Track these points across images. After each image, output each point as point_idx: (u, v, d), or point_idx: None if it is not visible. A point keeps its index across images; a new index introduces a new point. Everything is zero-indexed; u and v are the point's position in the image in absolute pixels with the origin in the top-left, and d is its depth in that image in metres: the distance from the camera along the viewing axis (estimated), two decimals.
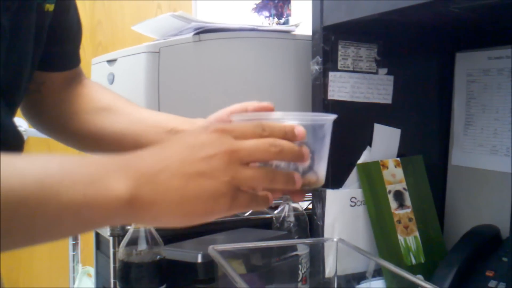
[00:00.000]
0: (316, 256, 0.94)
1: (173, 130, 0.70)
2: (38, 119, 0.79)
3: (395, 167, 0.98)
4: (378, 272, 0.93)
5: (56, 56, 0.76)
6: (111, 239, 0.95)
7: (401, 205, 0.96)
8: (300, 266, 0.95)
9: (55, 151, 1.74)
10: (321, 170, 0.57)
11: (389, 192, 0.96)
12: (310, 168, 0.56)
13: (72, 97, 0.78)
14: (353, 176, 0.96)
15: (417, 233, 0.96)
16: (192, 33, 1.03)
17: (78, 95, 0.78)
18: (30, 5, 0.62)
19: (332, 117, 0.57)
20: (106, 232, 0.96)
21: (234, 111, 0.64)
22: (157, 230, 0.87)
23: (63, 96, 0.78)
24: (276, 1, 1.68)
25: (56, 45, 0.74)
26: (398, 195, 0.96)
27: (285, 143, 0.50)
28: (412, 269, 0.93)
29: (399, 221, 0.95)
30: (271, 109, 0.62)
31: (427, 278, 0.90)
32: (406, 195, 0.97)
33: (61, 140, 0.83)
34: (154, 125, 0.72)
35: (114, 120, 0.75)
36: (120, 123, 0.74)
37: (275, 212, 1.04)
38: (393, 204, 0.96)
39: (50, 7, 0.67)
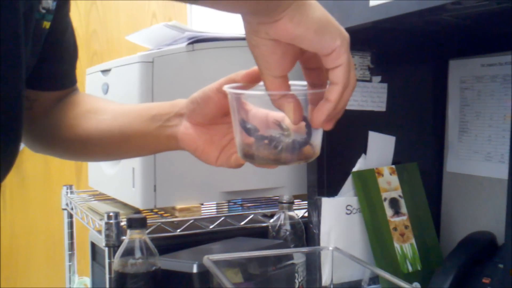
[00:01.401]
0: (313, 265, 0.94)
1: (156, 116, 0.69)
2: (27, 134, 0.79)
3: (390, 174, 0.98)
4: (374, 280, 0.93)
5: (51, 75, 0.76)
6: (106, 249, 0.94)
7: (397, 212, 0.96)
8: (296, 275, 0.95)
9: (52, 161, 1.74)
10: (317, 143, 0.57)
11: (385, 199, 0.96)
12: (307, 141, 0.56)
13: (61, 108, 0.78)
14: (348, 184, 0.96)
15: (413, 241, 0.96)
16: (186, 43, 1.03)
17: (65, 103, 0.78)
18: (30, 21, 0.63)
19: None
20: (101, 242, 0.95)
21: (221, 84, 0.62)
22: (153, 240, 0.87)
23: (53, 110, 0.78)
24: None
25: (52, 65, 0.75)
26: (394, 203, 0.96)
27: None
28: (409, 277, 0.93)
29: (395, 229, 0.95)
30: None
31: (424, 286, 0.90)
32: (402, 202, 0.97)
33: (49, 151, 0.82)
34: (137, 115, 0.71)
35: (99, 119, 0.75)
36: (105, 120, 0.74)
37: (271, 220, 1.04)
38: (388, 212, 0.96)
39: (47, 24, 0.67)
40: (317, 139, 0.57)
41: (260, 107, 0.60)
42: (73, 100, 0.79)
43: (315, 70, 0.55)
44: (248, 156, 0.57)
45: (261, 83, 0.56)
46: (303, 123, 0.55)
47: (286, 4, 0.47)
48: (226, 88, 0.58)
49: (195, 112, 0.66)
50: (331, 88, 0.51)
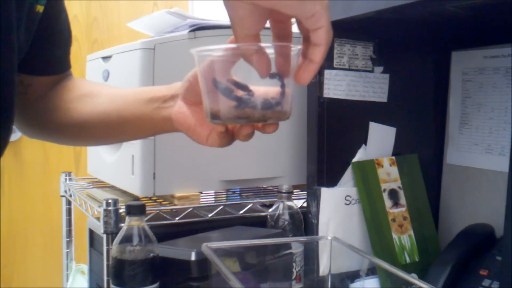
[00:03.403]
0: (311, 255, 0.94)
1: (153, 98, 0.70)
2: (23, 119, 0.79)
3: (390, 165, 0.98)
4: (372, 271, 0.93)
5: (45, 60, 0.76)
6: (104, 236, 0.94)
7: (396, 203, 0.96)
8: (294, 265, 0.95)
9: (50, 148, 1.73)
10: (288, 102, 0.57)
11: (384, 190, 0.96)
12: (279, 102, 0.55)
13: (56, 92, 0.78)
14: (348, 175, 0.96)
15: (411, 232, 0.96)
16: (188, 30, 1.03)
17: (60, 87, 0.78)
18: (22, 5, 0.63)
19: (300, 46, 0.56)
20: (100, 229, 0.95)
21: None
22: (151, 228, 0.87)
23: (48, 94, 0.78)
24: None
25: (46, 50, 0.75)
26: (393, 194, 0.96)
27: None
28: (406, 268, 0.93)
29: (393, 220, 0.95)
30: None
31: (421, 277, 0.90)
32: (401, 193, 0.97)
33: (44, 137, 0.83)
34: (133, 98, 0.72)
35: (95, 102, 0.75)
36: (101, 104, 0.75)
37: (270, 210, 1.04)
38: (387, 203, 0.96)
39: (40, 8, 0.68)
40: (287, 98, 0.56)
41: (227, 71, 0.59)
42: (68, 84, 0.79)
43: (284, 22, 0.56)
44: (215, 117, 0.57)
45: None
46: (277, 88, 0.55)
47: None
48: (192, 50, 0.57)
49: (188, 91, 0.66)
50: (315, 49, 0.53)
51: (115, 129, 0.75)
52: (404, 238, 0.95)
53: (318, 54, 0.53)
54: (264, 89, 0.56)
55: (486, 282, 0.80)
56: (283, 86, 0.55)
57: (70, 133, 0.79)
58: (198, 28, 1.03)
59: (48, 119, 0.78)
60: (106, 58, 1.18)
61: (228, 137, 0.64)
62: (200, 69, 0.57)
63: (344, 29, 0.94)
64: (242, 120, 0.56)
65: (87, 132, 0.77)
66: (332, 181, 0.95)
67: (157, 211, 1.01)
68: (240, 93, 0.55)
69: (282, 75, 0.55)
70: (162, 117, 0.69)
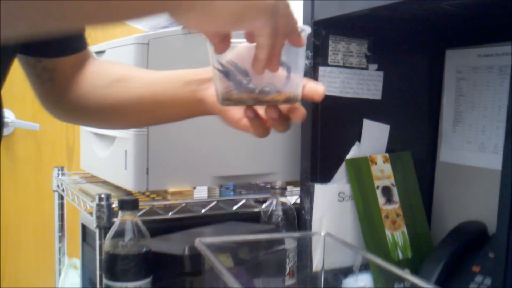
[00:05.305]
0: (304, 250, 0.94)
1: (191, 81, 0.71)
2: (57, 106, 0.80)
3: (384, 162, 0.98)
4: (365, 267, 0.93)
5: (60, 40, 0.76)
6: (97, 231, 0.94)
7: (389, 200, 0.96)
8: (287, 260, 0.95)
9: (43, 143, 1.72)
10: (296, 86, 0.59)
11: (377, 187, 0.96)
12: (286, 84, 0.58)
13: (86, 77, 0.78)
14: (341, 171, 0.96)
15: (404, 229, 0.96)
16: (182, 26, 1.02)
17: (91, 73, 0.79)
18: None
19: (309, 29, 0.56)
20: (92, 224, 0.95)
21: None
22: (144, 223, 0.87)
23: (77, 79, 0.78)
24: None
25: None
26: (386, 191, 0.97)
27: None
28: (399, 264, 0.94)
29: (386, 217, 0.95)
30: None
31: (414, 274, 0.90)
32: (394, 190, 0.97)
33: (85, 122, 0.85)
34: (170, 81, 0.73)
35: (130, 87, 0.76)
36: (137, 88, 0.76)
37: (263, 206, 1.04)
38: (381, 200, 0.96)
39: None
40: (298, 82, 0.58)
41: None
42: (97, 70, 0.80)
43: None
44: (226, 98, 0.58)
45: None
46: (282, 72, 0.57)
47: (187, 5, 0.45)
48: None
49: None
50: (259, 49, 0.52)
51: (149, 113, 0.77)
52: (397, 235, 0.95)
53: (262, 55, 0.52)
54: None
55: (478, 279, 0.80)
56: (289, 68, 0.57)
57: (107, 118, 0.81)
58: None
59: (83, 106, 0.79)
60: (99, 52, 1.18)
61: (260, 125, 0.64)
62: (211, 52, 0.58)
63: (339, 26, 0.94)
64: (250, 101, 0.58)
65: (123, 115, 0.79)
66: (326, 178, 0.95)
67: (150, 206, 1.01)
68: (239, 76, 0.57)
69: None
70: (197, 99, 0.71)
